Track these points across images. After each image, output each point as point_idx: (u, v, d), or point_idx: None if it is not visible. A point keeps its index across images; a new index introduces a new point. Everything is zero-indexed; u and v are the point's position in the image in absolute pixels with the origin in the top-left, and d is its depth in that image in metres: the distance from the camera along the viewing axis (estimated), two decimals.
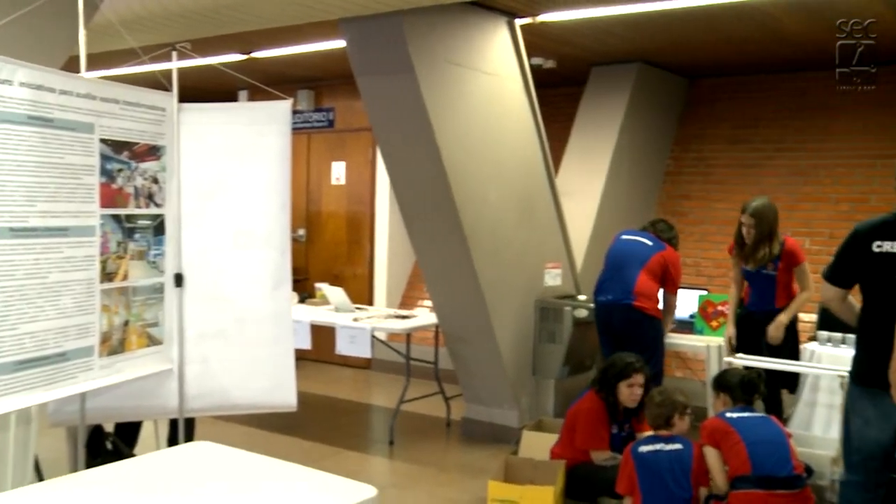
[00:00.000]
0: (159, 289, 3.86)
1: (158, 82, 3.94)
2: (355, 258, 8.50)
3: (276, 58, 6.98)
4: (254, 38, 6.04)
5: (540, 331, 5.88)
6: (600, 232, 6.56)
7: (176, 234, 3.91)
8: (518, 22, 5.62)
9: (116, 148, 3.54)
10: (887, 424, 3.20)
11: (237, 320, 4.05)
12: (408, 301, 8.24)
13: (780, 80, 7.06)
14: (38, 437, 3.76)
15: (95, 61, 4.05)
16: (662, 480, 3.82)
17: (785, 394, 5.14)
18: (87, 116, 3.37)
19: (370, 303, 8.01)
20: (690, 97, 7.56)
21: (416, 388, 6.06)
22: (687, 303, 5.83)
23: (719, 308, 5.63)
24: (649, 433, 4.12)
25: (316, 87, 8.65)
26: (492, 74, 5.54)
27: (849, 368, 3.54)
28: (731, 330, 5.25)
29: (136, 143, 3.66)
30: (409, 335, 6.04)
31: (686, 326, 5.88)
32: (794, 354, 4.97)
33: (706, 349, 5.56)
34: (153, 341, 3.83)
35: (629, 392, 4.42)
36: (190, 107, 3.95)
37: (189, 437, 4.15)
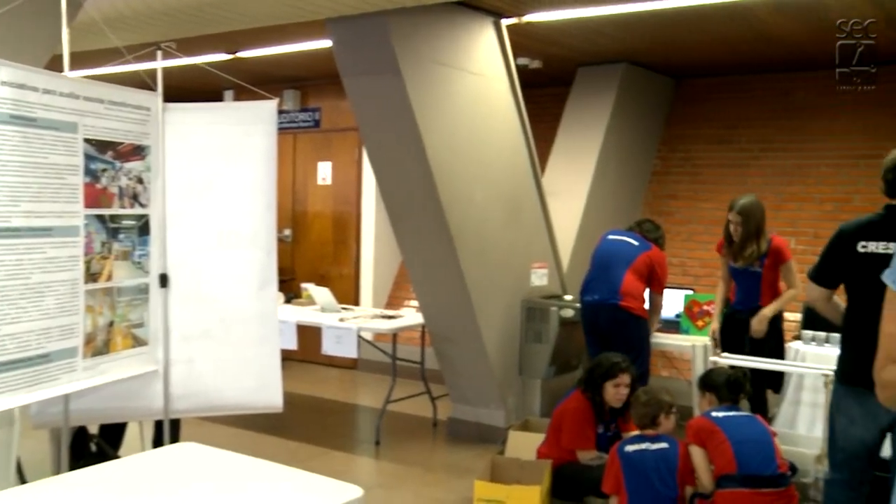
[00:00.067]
0: (144, 289, 3.84)
1: (143, 82, 3.92)
2: (341, 258, 8.48)
3: (261, 57, 6.96)
4: (239, 38, 6.02)
5: (526, 331, 5.88)
6: (587, 232, 6.57)
7: (161, 235, 3.89)
8: (504, 22, 5.62)
9: (101, 148, 3.52)
10: (872, 423, 3.22)
11: (223, 321, 4.03)
12: (394, 301, 8.23)
13: (767, 80, 7.10)
14: (20, 439, 3.73)
15: (79, 60, 4.02)
16: (648, 480, 3.83)
17: (770, 393, 5.16)
18: (70, 116, 3.35)
19: (356, 303, 8.00)
20: (677, 97, 7.59)
21: (403, 389, 6.05)
22: (673, 302, 5.85)
23: (705, 308, 5.65)
24: (635, 433, 4.13)
25: (302, 87, 8.63)
26: (478, 74, 5.54)
27: (833, 367, 3.56)
28: (715, 325, 5.30)
29: (121, 143, 3.64)
30: (395, 335, 6.03)
31: (672, 326, 5.89)
32: (779, 354, 5.00)
33: (692, 349, 5.58)
34: (138, 342, 3.81)
35: (615, 392, 4.43)
36: (175, 106, 3.93)
37: (174, 439, 4.13)
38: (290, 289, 7.60)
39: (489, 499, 4.17)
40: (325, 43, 5.79)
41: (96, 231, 3.52)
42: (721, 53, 6.47)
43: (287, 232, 8.69)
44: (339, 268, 8.48)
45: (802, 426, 4.95)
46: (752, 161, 7.07)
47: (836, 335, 4.72)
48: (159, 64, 3.92)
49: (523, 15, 5.45)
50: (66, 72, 3.45)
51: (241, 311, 4.05)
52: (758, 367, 4.60)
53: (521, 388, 5.98)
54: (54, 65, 3.63)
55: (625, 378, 4.43)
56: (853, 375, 3.24)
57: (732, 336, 5.14)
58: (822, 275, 3.48)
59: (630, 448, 3.94)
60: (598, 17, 5.33)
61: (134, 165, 3.74)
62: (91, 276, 3.49)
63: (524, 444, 4.75)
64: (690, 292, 6.09)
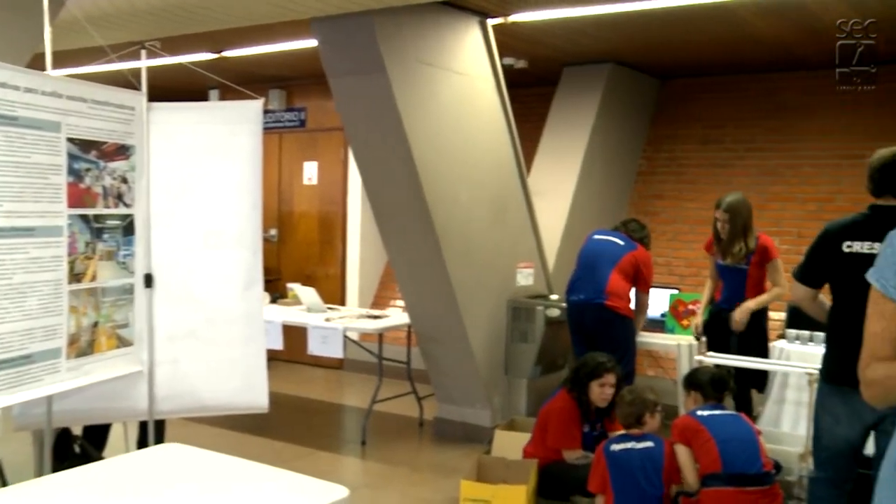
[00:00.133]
0: (129, 289, 3.82)
1: (128, 81, 3.90)
2: (327, 258, 8.47)
3: (247, 57, 6.93)
4: (225, 37, 6.00)
5: (512, 330, 5.89)
6: (572, 232, 6.58)
7: (146, 235, 3.88)
8: (490, 22, 5.63)
9: (84, 147, 3.50)
10: (857, 422, 3.24)
11: (208, 321, 4.02)
12: (380, 301, 8.22)
13: (751, 80, 7.13)
14: (2, 441, 3.70)
15: (62, 59, 4.00)
16: (634, 478, 3.84)
17: (754, 392, 5.19)
18: (53, 115, 3.33)
19: (342, 303, 7.98)
20: (662, 97, 7.62)
21: (389, 388, 6.04)
22: (658, 302, 5.87)
23: (690, 307, 5.68)
24: (621, 432, 4.14)
25: (287, 87, 8.61)
26: (464, 74, 5.54)
27: (817, 366, 3.58)
28: (698, 319, 5.34)
29: (105, 143, 3.62)
30: (381, 335, 6.02)
31: (657, 325, 5.92)
32: (763, 353, 5.02)
33: (677, 348, 5.60)
34: (123, 342, 3.79)
35: (600, 391, 4.44)
36: (160, 106, 3.92)
37: (159, 440, 4.11)
38: (275, 289, 7.58)
39: (475, 498, 4.17)
40: (311, 42, 5.78)
41: (80, 231, 3.50)
42: (706, 54, 6.50)
43: (273, 232, 8.66)
44: (325, 268, 8.46)
45: (787, 424, 4.98)
46: (737, 161, 7.11)
47: (820, 334, 4.76)
48: (144, 63, 3.90)
49: (509, 15, 5.46)
50: (49, 70, 3.43)
51: (226, 311, 4.04)
52: (743, 366, 4.63)
53: (507, 387, 5.99)
54: (36, 63, 3.61)
55: (610, 378, 4.45)
56: (838, 374, 3.26)
57: (718, 335, 5.16)
58: (808, 274, 3.50)
59: (616, 447, 3.95)
60: (584, 17, 5.34)
61: (118, 165, 3.72)
62: (75, 277, 3.47)
63: (510, 444, 4.75)
64: (676, 292, 6.12)
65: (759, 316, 5.10)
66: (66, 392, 3.54)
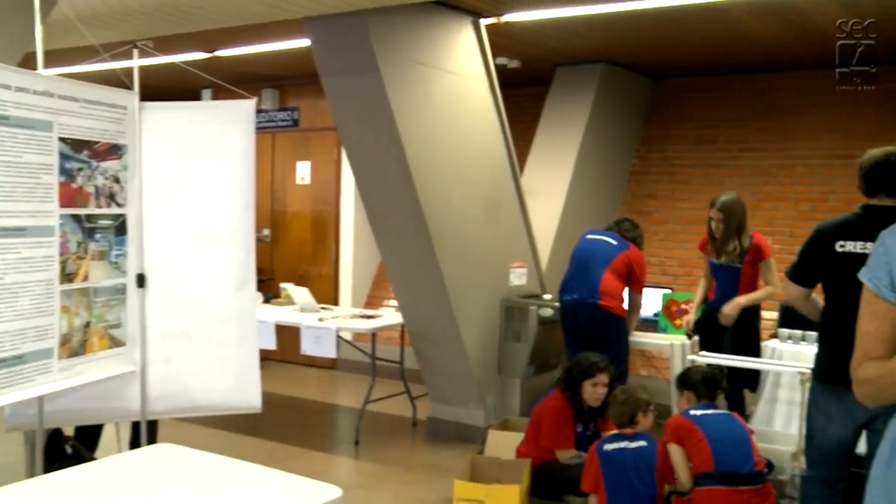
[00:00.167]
0: (121, 289, 3.81)
1: (120, 80, 3.89)
2: (320, 258, 8.46)
3: (240, 56, 6.92)
4: (217, 37, 5.99)
5: (505, 330, 5.89)
6: (565, 231, 6.59)
7: (138, 234, 3.86)
8: (483, 22, 5.62)
9: (76, 147, 3.49)
10: (849, 421, 3.25)
11: (201, 321, 4.01)
12: (373, 301, 8.21)
13: (744, 81, 7.15)
14: None
15: (53, 58, 3.98)
16: (627, 478, 3.84)
17: (746, 392, 5.20)
18: (44, 114, 3.32)
19: (335, 303, 7.97)
20: (655, 97, 7.63)
21: (382, 388, 6.04)
22: (651, 301, 5.88)
23: (683, 306, 5.68)
24: (614, 432, 4.15)
25: (280, 87, 8.60)
26: (457, 74, 5.54)
27: (809, 365, 3.59)
28: (691, 316, 5.36)
29: (97, 142, 3.61)
30: (374, 335, 6.02)
31: (650, 325, 5.92)
32: (756, 353, 5.03)
33: (670, 347, 5.61)
34: (115, 343, 3.78)
35: (593, 391, 4.45)
36: (152, 105, 3.91)
37: (152, 440, 4.10)
38: (268, 288, 7.56)
39: (469, 498, 4.17)
40: (304, 42, 5.77)
41: (72, 231, 3.48)
42: (699, 54, 6.51)
43: (266, 232, 8.65)
44: (318, 267, 8.45)
45: (779, 423, 4.99)
46: (730, 161, 7.12)
47: (812, 333, 4.78)
48: (136, 62, 3.89)
49: (502, 15, 5.46)
50: (41, 70, 3.42)
51: (219, 311, 4.03)
52: (735, 365, 4.64)
53: (501, 387, 5.99)
54: (28, 63, 3.59)
55: (603, 377, 4.45)
56: (831, 374, 3.27)
57: (711, 334, 5.17)
58: (801, 274, 3.50)
59: (609, 447, 3.95)
60: (577, 17, 5.34)
61: (110, 165, 3.71)
62: (67, 277, 3.46)
63: (503, 444, 4.75)
64: (668, 291, 6.13)
65: (752, 315, 5.12)
66: (58, 392, 3.53)
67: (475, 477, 4.36)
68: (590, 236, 5.51)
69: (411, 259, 5.52)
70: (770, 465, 3.96)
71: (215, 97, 8.51)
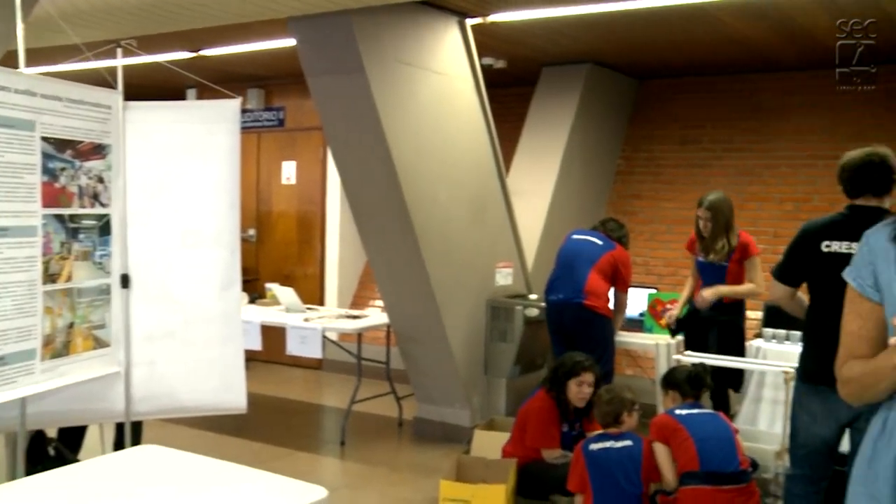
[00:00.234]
0: (105, 290, 3.79)
1: (104, 79, 3.86)
2: (306, 258, 8.44)
3: (225, 56, 6.89)
4: (202, 36, 5.96)
5: (491, 330, 5.89)
6: (551, 231, 6.60)
7: (122, 234, 3.84)
8: (469, 22, 5.63)
9: (59, 146, 3.46)
10: (832, 420, 3.27)
11: (185, 321, 3.99)
12: (359, 301, 8.20)
13: (729, 81, 7.18)
14: None
15: (36, 57, 3.95)
16: (613, 477, 3.85)
17: (731, 392, 5.23)
18: (26, 113, 3.29)
19: (321, 303, 7.96)
20: (641, 98, 7.65)
21: (368, 389, 6.03)
22: (637, 301, 5.89)
23: (668, 306, 5.70)
24: (599, 431, 4.15)
25: (266, 86, 8.57)
26: (443, 74, 5.54)
27: (793, 364, 3.61)
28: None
29: (81, 142, 3.59)
30: (360, 335, 6.01)
31: (636, 325, 5.94)
32: (740, 353, 5.06)
33: (655, 347, 5.62)
34: (99, 343, 3.76)
35: (578, 390, 4.45)
36: (136, 105, 3.89)
37: (136, 441, 4.08)
38: (254, 289, 7.54)
39: (455, 498, 4.17)
40: (290, 42, 5.75)
41: (55, 231, 3.46)
42: (684, 55, 6.54)
43: (251, 232, 8.62)
44: (304, 268, 8.43)
45: (763, 423, 5.01)
46: (715, 161, 7.15)
47: (797, 333, 4.80)
48: (119, 62, 3.86)
49: (488, 15, 5.46)
50: (22, 68, 3.39)
51: (204, 311, 4.01)
52: (720, 364, 4.66)
53: (487, 387, 5.99)
54: (9, 61, 3.56)
55: (588, 376, 4.45)
56: (815, 373, 3.29)
57: (696, 334, 5.19)
58: (786, 273, 3.52)
59: (594, 446, 3.96)
60: (563, 17, 5.35)
61: (94, 164, 3.68)
62: (50, 277, 3.43)
63: (489, 444, 4.75)
64: (654, 291, 6.15)
65: (737, 315, 5.14)
66: (41, 394, 3.50)
67: (461, 477, 4.36)
68: (575, 236, 5.52)
69: (397, 259, 5.51)
70: (754, 464, 3.98)
71: (200, 97, 8.48)
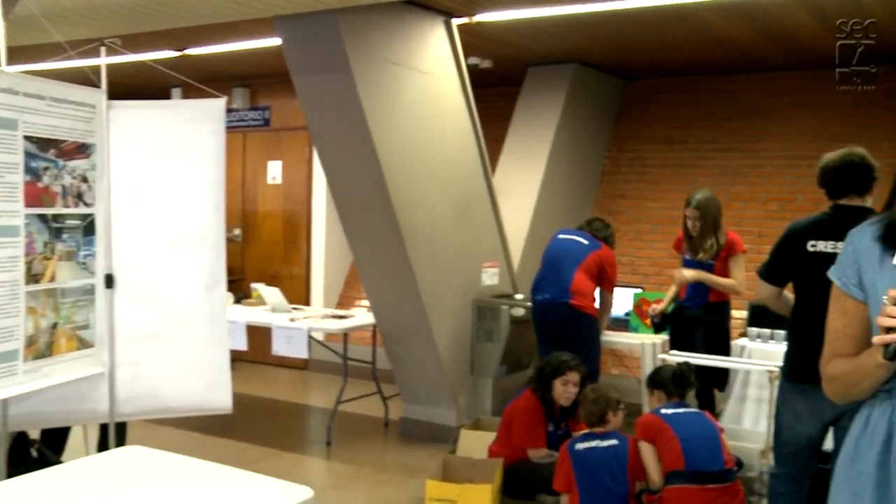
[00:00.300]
0: (90, 290, 3.77)
1: (88, 78, 3.84)
2: (292, 258, 8.41)
3: (210, 55, 6.86)
4: (187, 35, 5.93)
5: (477, 330, 5.89)
6: (537, 231, 6.61)
7: (107, 234, 3.82)
8: (455, 21, 5.62)
9: (42, 146, 3.44)
10: (816, 419, 3.29)
11: (170, 321, 3.97)
12: (345, 301, 8.18)
13: (713, 82, 7.21)
14: None
15: (18, 55, 3.93)
16: (599, 476, 3.86)
17: (716, 392, 5.25)
18: (8, 112, 3.27)
19: (307, 303, 7.94)
20: (626, 98, 7.67)
21: (354, 389, 6.02)
22: (622, 301, 5.91)
23: (654, 305, 5.71)
24: (585, 431, 4.16)
25: (251, 86, 8.54)
26: (429, 74, 5.53)
27: (778, 363, 3.63)
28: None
29: (64, 141, 3.57)
30: (346, 335, 6.00)
31: (621, 324, 5.96)
32: (726, 352, 5.08)
33: (641, 346, 5.65)
34: (84, 344, 3.73)
35: (563, 390, 4.46)
36: (121, 104, 3.86)
37: (120, 443, 4.06)
38: (239, 289, 7.51)
39: (441, 498, 4.17)
40: (275, 41, 5.73)
41: (38, 231, 3.43)
42: (670, 55, 6.56)
43: (237, 231, 8.59)
44: (290, 268, 8.40)
45: (748, 421, 5.04)
46: (700, 161, 7.18)
47: (781, 332, 4.83)
48: (103, 60, 3.84)
49: (474, 15, 5.46)
50: (4, 66, 3.37)
51: (189, 311, 4.00)
52: (706, 364, 4.68)
53: (473, 387, 5.99)
54: None
55: (573, 376, 4.46)
56: (799, 372, 3.31)
57: (682, 333, 5.21)
58: (772, 273, 3.54)
59: (580, 446, 3.97)
60: (549, 17, 5.36)
61: (78, 164, 3.66)
62: (32, 277, 3.41)
63: (476, 443, 4.75)
64: (640, 291, 6.17)
65: (722, 315, 5.16)
66: (24, 395, 3.47)
67: (447, 477, 4.36)
68: (561, 236, 5.53)
69: (383, 259, 5.50)
70: (739, 463, 4.00)
71: (185, 96, 8.43)
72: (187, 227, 3.98)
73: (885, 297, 1.57)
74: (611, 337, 5.72)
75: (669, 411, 3.98)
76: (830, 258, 1.87)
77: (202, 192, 3.99)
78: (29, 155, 3.37)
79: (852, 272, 1.75)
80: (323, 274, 8.17)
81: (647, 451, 3.91)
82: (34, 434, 4.36)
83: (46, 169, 3.47)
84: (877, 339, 1.58)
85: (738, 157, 7.03)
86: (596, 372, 5.25)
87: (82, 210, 3.70)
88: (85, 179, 3.71)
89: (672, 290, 5.42)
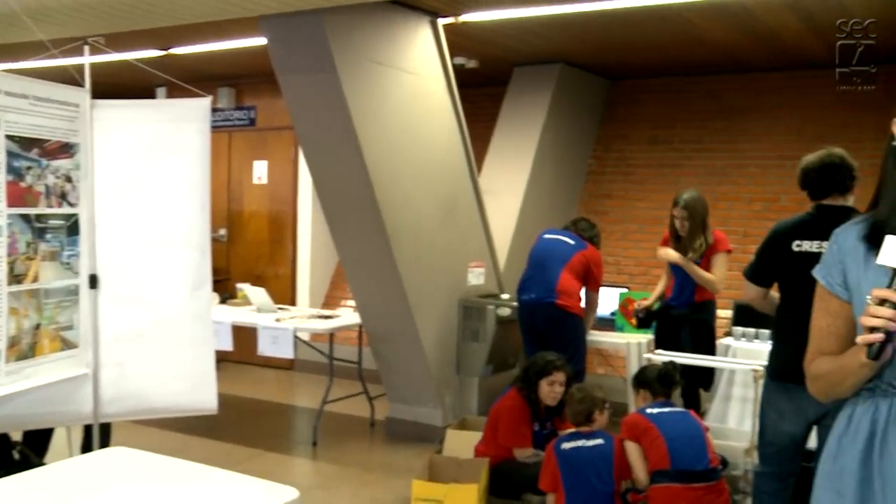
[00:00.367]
0: (74, 290, 3.74)
1: (72, 78, 3.81)
2: (278, 258, 8.39)
3: (195, 54, 6.83)
4: (172, 34, 5.90)
5: (463, 329, 5.90)
6: (523, 231, 6.61)
7: (91, 234, 3.80)
8: (441, 21, 5.62)
9: (25, 145, 3.41)
10: (801, 418, 3.32)
11: (155, 322, 3.95)
12: (331, 301, 8.17)
13: (699, 82, 7.24)
14: None
15: (0, 53, 3.89)
16: (585, 476, 3.87)
17: (701, 391, 5.27)
18: None
19: (293, 303, 7.92)
20: (612, 98, 7.69)
21: (340, 389, 6.01)
22: (608, 300, 5.93)
23: (640, 301, 5.73)
24: (571, 430, 4.17)
25: (237, 85, 8.51)
26: (414, 74, 5.53)
27: (763, 362, 3.64)
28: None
29: (48, 140, 3.54)
30: (332, 335, 5.99)
31: (607, 324, 5.98)
32: (711, 352, 5.10)
33: (627, 346, 5.66)
34: (67, 345, 3.71)
35: (549, 389, 4.47)
36: (105, 103, 3.84)
37: (105, 444, 4.03)
38: (225, 289, 7.48)
39: (427, 498, 4.16)
40: (261, 40, 5.72)
41: (20, 231, 3.41)
42: (655, 55, 6.58)
43: (222, 231, 8.55)
44: (276, 268, 8.38)
45: (733, 420, 5.07)
46: (685, 161, 7.21)
47: (766, 331, 4.86)
48: (87, 59, 3.82)
49: (460, 15, 5.46)
50: None
51: (174, 311, 3.98)
52: (691, 363, 4.69)
53: (459, 386, 5.99)
54: None
55: (559, 376, 4.47)
56: (784, 371, 3.33)
57: (667, 333, 5.23)
58: (758, 274, 3.56)
59: (566, 445, 3.97)
60: (534, 17, 5.37)
61: (62, 163, 3.64)
62: (15, 278, 3.38)
63: (462, 443, 4.76)
64: (625, 290, 6.19)
65: (708, 315, 5.18)
66: (6, 396, 3.44)
67: (433, 476, 4.35)
68: (547, 236, 5.54)
69: (369, 259, 5.50)
70: (724, 462, 4.02)
71: (170, 96, 8.39)
72: (172, 227, 3.96)
73: (868, 297, 1.58)
74: (597, 336, 5.74)
75: (655, 410, 3.99)
76: (815, 258, 1.88)
77: (187, 191, 3.97)
78: (11, 154, 3.34)
79: (837, 271, 1.76)
80: (309, 274, 8.15)
81: (632, 450, 3.92)
82: (16, 436, 4.33)
83: (29, 168, 3.44)
84: (860, 338, 1.59)
85: (722, 157, 7.06)
86: (582, 371, 5.26)
87: (66, 210, 3.68)
88: (69, 179, 3.68)
89: (659, 287, 5.44)
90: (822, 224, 3.30)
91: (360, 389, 6.25)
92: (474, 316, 5.85)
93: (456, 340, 5.92)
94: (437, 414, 5.83)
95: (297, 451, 5.76)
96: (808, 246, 3.34)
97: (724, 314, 5.83)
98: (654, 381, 4.14)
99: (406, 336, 5.64)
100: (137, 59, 4.60)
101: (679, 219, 5.09)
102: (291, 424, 6.68)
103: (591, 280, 5.39)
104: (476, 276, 6.11)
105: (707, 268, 5.04)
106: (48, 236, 3.57)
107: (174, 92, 8.13)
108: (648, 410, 4.00)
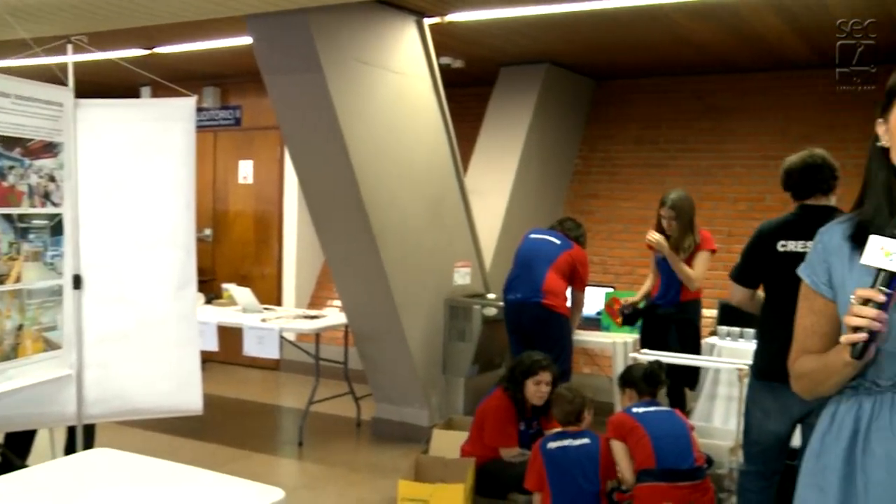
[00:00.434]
0: (57, 291, 3.72)
1: (56, 76, 3.79)
2: (263, 258, 8.36)
3: (180, 53, 6.80)
4: (157, 33, 5.88)
5: (449, 329, 5.90)
6: (509, 231, 6.62)
7: (75, 234, 3.78)
8: (427, 21, 5.62)
9: (7, 144, 3.39)
10: (785, 416, 3.33)
11: (140, 322, 3.93)
12: (317, 301, 8.15)
13: (684, 82, 7.27)
14: None
15: None
16: (571, 475, 3.87)
17: (686, 391, 5.29)
18: None
19: (279, 303, 7.89)
20: (598, 98, 7.71)
21: (326, 389, 6.00)
22: (594, 300, 5.94)
23: (626, 299, 5.74)
24: (557, 430, 4.18)
25: (222, 85, 8.48)
26: (400, 74, 5.52)
27: (747, 361, 3.66)
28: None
29: (31, 140, 3.52)
30: (318, 335, 5.98)
31: (593, 323, 5.99)
32: (697, 351, 5.12)
33: (612, 346, 5.68)
34: (50, 346, 3.69)
35: (536, 389, 4.47)
36: (89, 102, 3.82)
37: (88, 445, 4.00)
38: (210, 289, 7.45)
39: (413, 498, 4.16)
40: (246, 40, 5.69)
41: (3, 231, 3.39)
42: (641, 56, 6.60)
43: (207, 231, 8.52)
44: (261, 268, 8.36)
45: (718, 419, 5.08)
46: (670, 161, 7.23)
47: (750, 330, 4.88)
48: (70, 58, 3.79)
49: (446, 14, 5.46)
50: None
51: (159, 312, 3.96)
52: (677, 362, 4.71)
53: (445, 386, 5.99)
54: None
55: (545, 376, 4.48)
56: (768, 370, 3.35)
57: (654, 332, 5.24)
58: (744, 275, 3.57)
59: (552, 445, 3.98)
60: (520, 17, 5.37)
61: (45, 163, 3.61)
62: None
63: (448, 443, 4.75)
64: (611, 290, 6.20)
65: (693, 314, 5.20)
66: None
67: (420, 476, 4.35)
68: (533, 236, 5.55)
69: (355, 259, 5.49)
70: (709, 461, 4.04)
71: (155, 95, 8.34)
72: (157, 227, 3.94)
73: (852, 297, 1.59)
74: (582, 336, 5.75)
75: (641, 410, 4.00)
76: (800, 257, 1.88)
77: (172, 191, 3.95)
78: None
79: (822, 270, 1.77)
80: (294, 274, 8.14)
81: (618, 449, 3.93)
82: None
83: (12, 168, 3.42)
84: (844, 338, 1.60)
85: (708, 157, 7.09)
86: (568, 371, 5.28)
87: (49, 210, 3.65)
88: (52, 179, 3.66)
89: (646, 286, 5.46)
90: (806, 224, 3.31)
91: (346, 389, 6.24)
92: (460, 316, 5.85)
93: (442, 340, 5.92)
94: (424, 414, 5.83)
95: (282, 452, 5.75)
96: (792, 246, 3.36)
97: (709, 313, 5.85)
98: (639, 381, 4.15)
99: (392, 336, 5.63)
100: (122, 59, 4.58)
101: (666, 218, 5.10)
102: (277, 425, 6.66)
103: (577, 280, 5.40)
104: (462, 276, 6.11)
105: (690, 264, 5.06)
106: (31, 236, 3.55)
107: (159, 91, 8.06)
108: (634, 410, 4.01)
